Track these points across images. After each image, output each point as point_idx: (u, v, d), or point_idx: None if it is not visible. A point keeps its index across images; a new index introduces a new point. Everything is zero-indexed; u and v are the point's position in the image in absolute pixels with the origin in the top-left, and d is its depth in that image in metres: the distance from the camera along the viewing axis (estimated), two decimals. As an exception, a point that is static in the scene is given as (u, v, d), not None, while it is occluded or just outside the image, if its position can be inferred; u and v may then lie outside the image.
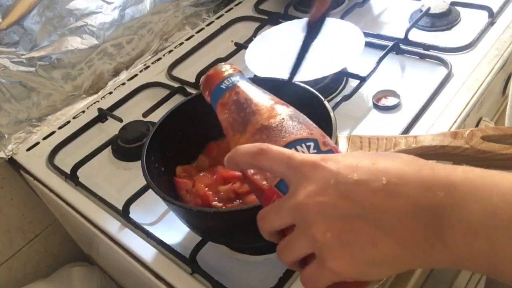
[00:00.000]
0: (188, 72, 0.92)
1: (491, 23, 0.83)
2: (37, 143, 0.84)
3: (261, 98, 0.42)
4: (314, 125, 0.41)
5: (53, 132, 0.86)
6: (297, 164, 0.33)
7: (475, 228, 0.29)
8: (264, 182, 0.37)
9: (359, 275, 0.32)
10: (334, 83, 0.79)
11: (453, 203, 0.29)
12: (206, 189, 0.56)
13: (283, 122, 0.39)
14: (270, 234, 0.36)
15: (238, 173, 0.54)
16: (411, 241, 0.30)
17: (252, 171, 0.38)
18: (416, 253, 0.30)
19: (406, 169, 0.31)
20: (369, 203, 0.31)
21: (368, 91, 0.76)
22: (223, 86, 0.43)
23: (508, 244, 0.28)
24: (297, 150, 0.37)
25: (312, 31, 0.59)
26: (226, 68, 0.45)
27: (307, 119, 0.41)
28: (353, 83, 0.77)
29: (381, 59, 0.77)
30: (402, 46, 0.82)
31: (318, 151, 0.37)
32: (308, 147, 0.37)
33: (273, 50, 0.83)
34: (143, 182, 0.61)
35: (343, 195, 0.31)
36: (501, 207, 0.28)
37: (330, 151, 0.38)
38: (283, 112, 0.40)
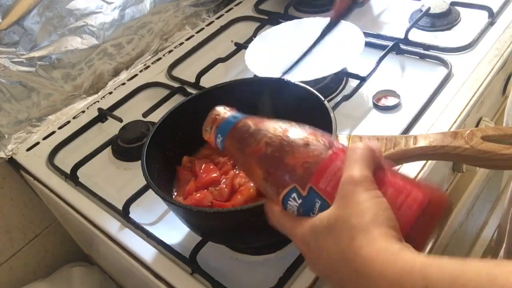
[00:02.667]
0: (188, 72, 0.92)
1: (491, 23, 0.83)
2: (37, 143, 0.84)
3: (263, 132, 0.42)
4: (307, 130, 0.41)
5: (53, 132, 0.86)
6: (288, 233, 0.41)
7: None
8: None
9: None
10: (334, 83, 0.79)
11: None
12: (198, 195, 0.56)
13: (271, 175, 0.40)
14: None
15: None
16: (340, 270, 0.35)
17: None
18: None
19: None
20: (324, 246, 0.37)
21: (368, 91, 0.76)
22: (232, 119, 0.43)
23: None
24: (289, 205, 0.40)
25: (329, 28, 0.61)
26: (226, 109, 0.44)
27: (302, 130, 0.41)
28: (353, 83, 0.77)
29: (381, 59, 0.77)
30: (402, 46, 0.82)
31: (301, 198, 0.39)
32: (294, 199, 0.39)
33: (273, 50, 0.83)
34: (143, 182, 0.61)
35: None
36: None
37: (310, 192, 0.38)
38: (272, 163, 0.40)
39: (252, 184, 0.55)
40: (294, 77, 0.59)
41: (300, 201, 0.39)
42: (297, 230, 0.39)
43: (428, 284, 0.29)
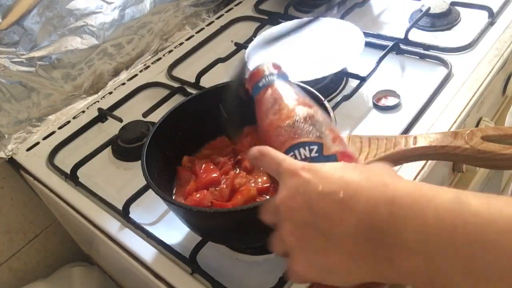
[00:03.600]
0: (188, 72, 0.92)
1: (491, 23, 0.83)
2: (37, 143, 0.84)
3: (288, 99, 0.45)
4: (333, 127, 0.43)
5: (53, 132, 0.85)
6: (282, 170, 0.37)
7: (411, 246, 0.29)
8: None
9: (320, 279, 0.34)
10: (334, 83, 0.79)
11: (392, 220, 0.30)
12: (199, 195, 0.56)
13: (295, 124, 0.42)
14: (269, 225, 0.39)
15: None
16: (359, 255, 0.32)
17: None
18: (365, 268, 0.32)
19: (363, 184, 0.33)
20: (324, 214, 0.33)
21: (368, 91, 0.76)
22: (260, 84, 0.47)
23: (441, 260, 0.28)
24: (299, 152, 0.40)
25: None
26: (267, 67, 0.48)
27: (328, 121, 0.44)
28: (353, 83, 0.77)
29: (381, 59, 0.77)
30: (402, 46, 0.82)
31: (320, 155, 0.40)
32: (310, 150, 0.40)
33: (273, 50, 0.83)
34: (143, 182, 0.61)
35: (306, 203, 0.33)
36: (433, 225, 0.29)
37: (333, 156, 0.40)
38: (300, 114, 0.43)
39: (253, 185, 0.55)
40: (294, 77, 0.59)
41: (315, 155, 0.40)
42: (294, 162, 0.37)
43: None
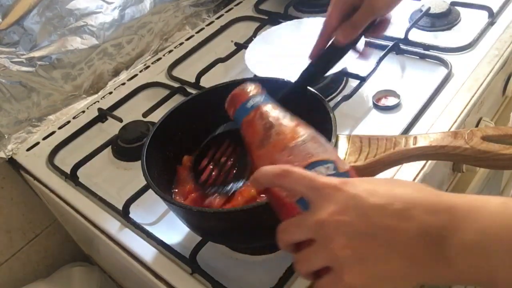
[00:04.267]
0: (188, 72, 0.92)
1: (491, 23, 0.83)
2: (37, 143, 0.84)
3: (284, 119, 0.45)
4: (332, 146, 0.44)
5: (53, 132, 0.86)
6: (319, 186, 0.36)
7: (471, 247, 0.32)
8: (285, 197, 0.40)
9: (372, 287, 0.35)
10: (334, 83, 0.79)
11: (453, 224, 0.33)
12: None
13: (304, 143, 0.41)
14: (287, 245, 0.39)
15: None
16: (419, 259, 0.34)
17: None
18: (423, 270, 0.34)
19: (416, 195, 0.35)
20: (383, 225, 0.34)
21: (368, 91, 0.76)
22: (248, 105, 0.46)
23: (501, 260, 0.31)
24: (317, 171, 0.39)
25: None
26: (251, 88, 0.47)
27: (326, 140, 0.44)
28: (353, 83, 0.77)
29: (381, 59, 0.77)
30: (402, 46, 0.82)
31: (336, 172, 0.40)
32: (327, 168, 0.39)
33: (273, 50, 0.83)
34: (143, 182, 0.61)
35: (360, 216, 0.35)
36: (491, 226, 0.32)
37: (347, 173, 0.40)
38: (305, 134, 0.42)
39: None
40: (294, 77, 0.59)
41: (332, 173, 0.39)
42: (330, 179, 0.37)
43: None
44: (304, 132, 0.43)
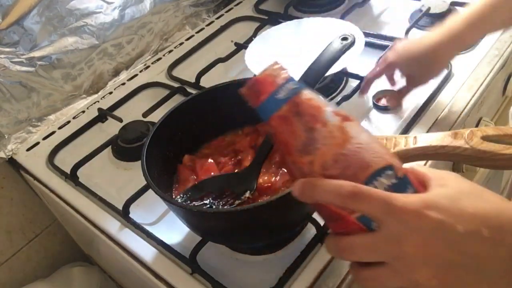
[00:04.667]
0: (188, 72, 0.92)
1: (491, 23, 0.83)
2: (37, 143, 0.84)
3: (328, 114, 0.35)
4: (377, 140, 0.37)
5: (53, 132, 0.85)
6: (398, 211, 0.33)
7: None
8: (343, 211, 0.34)
9: None
10: (334, 83, 0.79)
11: None
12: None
13: (360, 148, 0.34)
14: (351, 261, 0.37)
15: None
16: (508, 281, 0.33)
17: None
18: None
19: (502, 217, 0.33)
20: (474, 253, 0.33)
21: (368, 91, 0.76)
22: (279, 97, 0.36)
23: None
24: (380, 182, 0.34)
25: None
26: (281, 72, 0.37)
27: (369, 132, 0.37)
28: (353, 83, 0.77)
29: (381, 59, 0.77)
30: (402, 46, 0.82)
31: (397, 179, 0.34)
32: (388, 177, 0.34)
33: (273, 50, 0.83)
34: (143, 182, 0.61)
35: (448, 247, 0.33)
36: None
37: (406, 176, 0.35)
38: (357, 134, 0.35)
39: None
40: (294, 77, 0.59)
41: (395, 181, 0.34)
42: (408, 200, 0.33)
43: None
44: (354, 131, 0.35)
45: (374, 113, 0.73)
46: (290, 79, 0.36)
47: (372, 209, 0.33)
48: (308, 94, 0.36)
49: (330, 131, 0.35)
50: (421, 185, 0.36)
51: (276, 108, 0.36)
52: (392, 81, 0.72)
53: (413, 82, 0.69)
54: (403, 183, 0.34)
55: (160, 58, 0.98)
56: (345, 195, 0.33)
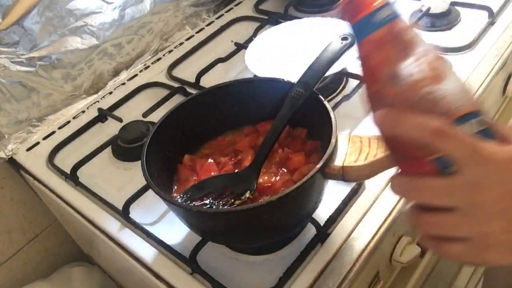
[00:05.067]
0: (188, 72, 0.92)
1: (491, 23, 0.83)
2: (37, 143, 0.84)
3: (425, 46, 0.34)
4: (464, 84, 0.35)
5: (53, 132, 0.85)
6: (485, 158, 0.31)
7: None
8: (418, 151, 0.32)
9: (502, 263, 0.33)
10: (334, 83, 0.79)
11: None
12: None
13: (450, 89, 0.32)
14: (412, 201, 0.35)
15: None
16: None
17: None
18: None
19: None
20: None
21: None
22: (376, 19, 0.34)
23: None
24: (465, 125, 0.32)
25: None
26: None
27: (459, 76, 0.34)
28: (353, 83, 0.77)
29: (381, 59, 0.77)
30: (402, 46, 0.82)
31: (484, 127, 0.32)
32: (479, 123, 0.32)
33: (273, 50, 0.83)
34: (143, 182, 0.61)
35: None
36: None
37: (493, 126, 0.33)
38: (449, 75, 0.33)
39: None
40: (294, 77, 0.59)
41: (482, 128, 0.32)
42: (496, 150, 0.31)
43: None
44: (447, 71, 0.33)
45: (374, 113, 0.73)
46: (388, 3, 0.34)
47: (458, 151, 0.31)
48: (405, 23, 0.34)
49: (424, 66, 0.33)
50: (506, 140, 0.34)
51: (372, 30, 0.34)
52: None
53: None
54: (490, 133, 0.32)
55: (160, 58, 0.98)
56: (431, 131, 0.31)
